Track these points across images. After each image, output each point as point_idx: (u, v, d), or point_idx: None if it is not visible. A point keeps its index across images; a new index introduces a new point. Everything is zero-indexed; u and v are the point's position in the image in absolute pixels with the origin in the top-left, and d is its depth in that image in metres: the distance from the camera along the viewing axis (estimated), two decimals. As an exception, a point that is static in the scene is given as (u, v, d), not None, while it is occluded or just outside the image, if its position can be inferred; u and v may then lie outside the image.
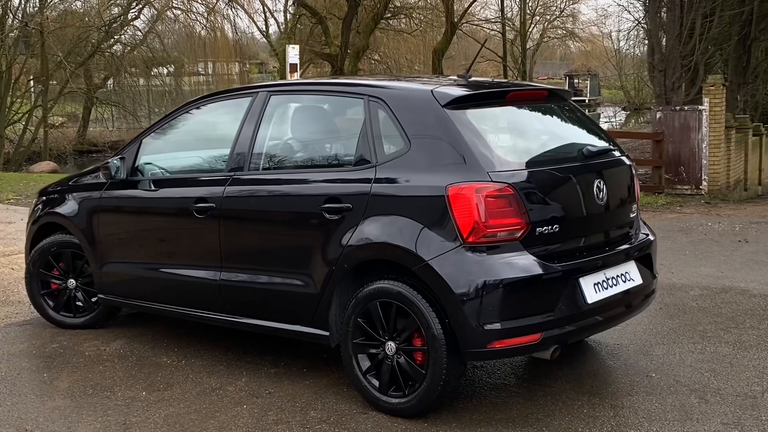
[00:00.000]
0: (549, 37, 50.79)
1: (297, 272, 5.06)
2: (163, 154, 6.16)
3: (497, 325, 4.40)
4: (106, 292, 6.19)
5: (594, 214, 4.87)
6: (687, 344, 5.89)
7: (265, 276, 5.23)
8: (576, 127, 5.32)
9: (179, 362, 5.72)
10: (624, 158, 5.29)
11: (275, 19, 43.37)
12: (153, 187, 5.88)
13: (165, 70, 39.38)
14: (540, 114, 5.23)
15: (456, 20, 28.37)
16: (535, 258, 4.50)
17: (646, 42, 25.14)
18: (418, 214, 4.58)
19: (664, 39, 19.83)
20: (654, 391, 5.03)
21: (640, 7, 26.23)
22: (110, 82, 37.13)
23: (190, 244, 5.62)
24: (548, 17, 47.99)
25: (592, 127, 5.45)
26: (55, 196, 6.59)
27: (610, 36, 52.30)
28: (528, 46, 41.86)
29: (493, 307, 4.39)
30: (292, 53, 14.31)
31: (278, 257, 5.16)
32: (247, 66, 44.70)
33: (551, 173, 4.70)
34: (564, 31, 50.05)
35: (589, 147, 5.02)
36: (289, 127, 5.54)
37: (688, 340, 6.00)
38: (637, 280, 5.05)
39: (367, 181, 4.77)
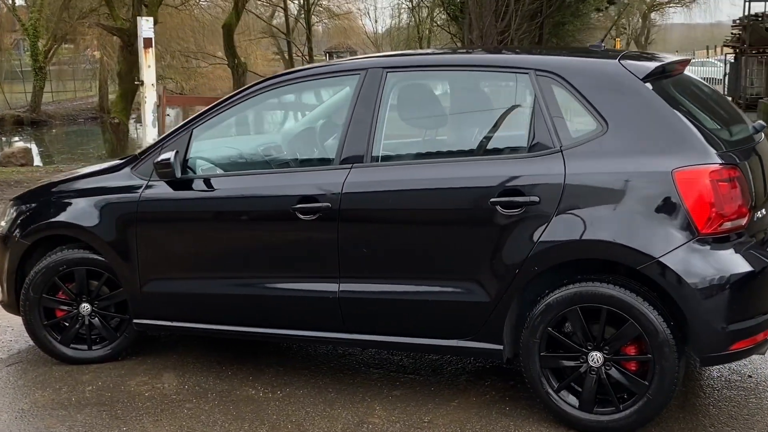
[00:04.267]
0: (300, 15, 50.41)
1: (458, 279, 4.36)
2: (224, 146, 5.14)
3: (740, 325, 3.99)
4: (147, 316, 5.08)
5: None
6: None
7: (407, 286, 4.47)
8: (716, 99, 4.97)
9: (275, 394, 4.80)
10: None
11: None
12: (220, 187, 4.86)
13: None
14: (694, 87, 4.81)
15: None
16: (761, 246, 4.14)
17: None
18: (633, 205, 4.04)
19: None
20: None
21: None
22: None
23: (289, 252, 4.70)
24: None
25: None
26: (50, 202, 5.33)
27: (368, 13, 52.79)
28: (312, 23, 41.14)
29: (737, 306, 3.98)
30: (146, 26, 12.85)
31: (429, 262, 4.41)
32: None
33: (751, 152, 4.34)
34: (321, 8, 49.88)
35: (758, 122, 4.71)
36: (420, 110, 4.75)
37: None
38: None
39: (557, 169, 4.15)
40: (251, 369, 5.16)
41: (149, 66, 12.96)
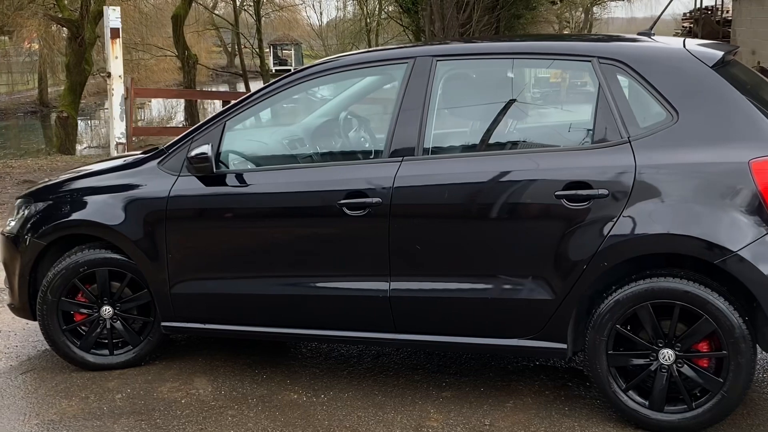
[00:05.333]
0: (247, 5, 49.78)
1: (520, 276, 4.20)
2: (256, 139, 4.89)
3: None
4: (177, 318, 4.82)
5: None
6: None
7: (465, 283, 4.29)
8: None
9: (319, 398, 4.59)
10: None
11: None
12: (257, 182, 4.62)
13: None
14: (747, 74, 4.67)
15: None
16: None
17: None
18: (708, 197, 3.92)
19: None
20: None
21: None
22: None
23: (335, 250, 4.48)
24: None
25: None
26: (67, 199, 5.01)
27: (313, 6, 52.32)
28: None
29: None
30: (113, 16, 12.44)
31: (488, 259, 4.24)
32: None
33: None
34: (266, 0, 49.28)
35: None
36: (473, 100, 4.57)
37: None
38: None
39: (627, 160, 4.00)
40: (286, 372, 4.94)
41: (116, 57, 12.56)
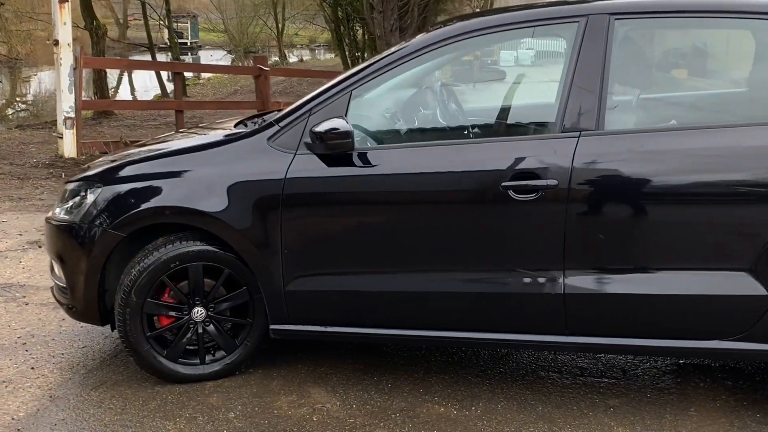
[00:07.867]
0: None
1: (726, 268, 3.67)
2: (388, 112, 4.21)
3: None
4: (293, 320, 4.11)
5: None
6: None
7: (657, 278, 3.73)
8: None
9: (470, 411, 3.98)
10: None
11: None
12: (396, 161, 3.95)
13: None
14: None
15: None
16: None
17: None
18: None
19: None
20: None
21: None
22: None
23: (494, 240, 3.84)
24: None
25: None
26: (151, 182, 4.17)
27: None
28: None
29: None
30: (62, -22, 11.28)
31: (688, 250, 3.68)
32: None
33: None
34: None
35: None
36: (660, 66, 3.98)
37: None
38: None
39: None
40: (409, 379, 4.31)
41: (65, 23, 11.45)
